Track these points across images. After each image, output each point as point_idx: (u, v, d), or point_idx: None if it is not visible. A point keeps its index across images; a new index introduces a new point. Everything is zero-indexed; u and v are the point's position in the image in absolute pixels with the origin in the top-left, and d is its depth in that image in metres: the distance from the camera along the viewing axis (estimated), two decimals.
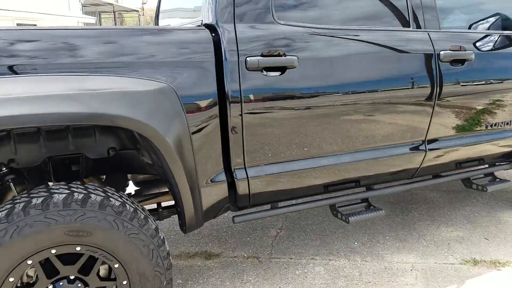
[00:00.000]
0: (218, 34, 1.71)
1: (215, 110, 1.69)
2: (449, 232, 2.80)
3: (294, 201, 2.20)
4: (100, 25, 23.09)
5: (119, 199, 1.56)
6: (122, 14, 27.97)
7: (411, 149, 2.23)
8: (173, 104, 1.56)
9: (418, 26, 2.15)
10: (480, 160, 2.57)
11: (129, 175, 2.30)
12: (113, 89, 1.48)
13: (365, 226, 2.91)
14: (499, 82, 2.34)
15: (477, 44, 2.31)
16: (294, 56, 1.79)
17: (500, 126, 2.45)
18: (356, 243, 2.69)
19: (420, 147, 2.25)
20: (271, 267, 2.42)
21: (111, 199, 1.52)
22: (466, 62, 2.22)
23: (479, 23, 2.53)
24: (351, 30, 1.98)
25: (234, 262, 2.48)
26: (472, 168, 2.63)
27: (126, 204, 1.55)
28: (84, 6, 21.70)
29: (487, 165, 2.73)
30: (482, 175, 2.72)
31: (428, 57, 2.12)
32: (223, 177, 1.80)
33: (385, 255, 2.53)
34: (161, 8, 2.84)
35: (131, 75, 1.55)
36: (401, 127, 2.15)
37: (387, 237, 2.75)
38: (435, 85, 2.14)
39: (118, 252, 1.52)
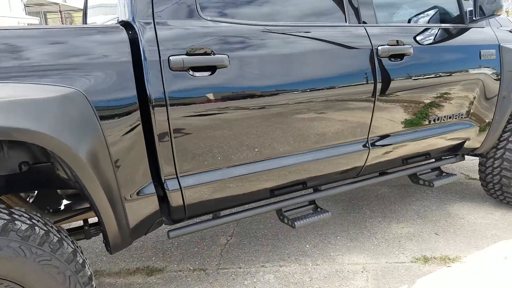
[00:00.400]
0: (136, 32, 1.54)
1: (136, 116, 1.52)
2: (400, 229, 2.77)
3: (236, 209, 2.07)
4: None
5: (28, 221, 1.36)
6: (71, 14, 26.73)
7: (354, 147, 2.16)
8: (83, 112, 1.38)
9: (355, 21, 2.08)
10: (426, 155, 2.55)
11: (59, 190, 2.09)
12: (11, 98, 1.27)
13: (318, 226, 2.83)
14: (439, 76, 2.32)
15: (416, 38, 2.27)
16: (224, 54, 1.65)
17: (444, 120, 2.44)
18: (307, 246, 2.60)
19: (364, 145, 2.18)
20: (218, 279, 2.28)
21: (16, 222, 1.32)
22: (405, 57, 2.17)
23: (418, 16, 2.51)
24: (285, 26, 1.87)
25: (178, 277, 2.32)
26: (419, 164, 2.61)
27: (36, 227, 1.36)
28: (27, 6, 20.52)
29: (433, 160, 2.72)
30: (429, 170, 2.71)
31: (366, 53, 2.05)
32: (151, 189, 1.63)
33: (336, 256, 2.46)
34: (88, 5, 2.62)
35: (34, 81, 1.35)
36: (343, 125, 2.07)
37: (338, 237, 2.69)
38: (375, 81, 2.07)
39: (27, 283, 1.32)
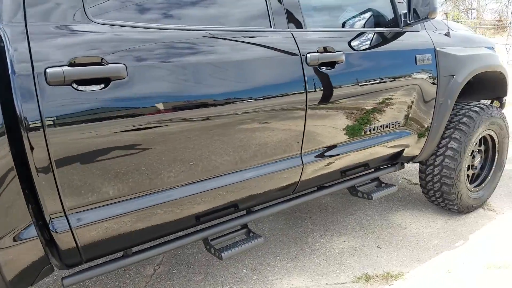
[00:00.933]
0: (1, 39, 1.22)
1: (3, 142, 1.20)
2: (342, 243, 2.62)
3: (150, 243, 1.79)
4: None
5: None
6: None
7: (286, 164, 1.95)
8: None
9: (281, 26, 1.87)
10: (365, 165, 2.41)
11: None
12: None
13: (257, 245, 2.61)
14: (374, 83, 2.17)
15: (349, 43, 2.11)
16: (121, 64, 1.37)
17: (381, 129, 2.30)
18: (245, 270, 2.36)
19: (297, 161, 1.99)
20: None
21: None
22: (336, 65, 2.00)
23: (352, 20, 2.36)
24: (194, 30, 1.62)
25: None
26: (357, 175, 2.47)
27: None
28: None
29: (372, 170, 2.59)
30: (368, 181, 2.58)
31: (294, 61, 1.85)
32: (32, 232, 1.31)
33: (275, 281, 2.24)
34: None
35: None
36: (272, 141, 1.86)
37: (278, 257, 2.48)
38: (305, 92, 1.88)
39: None
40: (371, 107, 2.21)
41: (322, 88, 1.95)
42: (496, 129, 2.87)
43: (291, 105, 1.86)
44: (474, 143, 2.76)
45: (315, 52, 1.92)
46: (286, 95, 1.84)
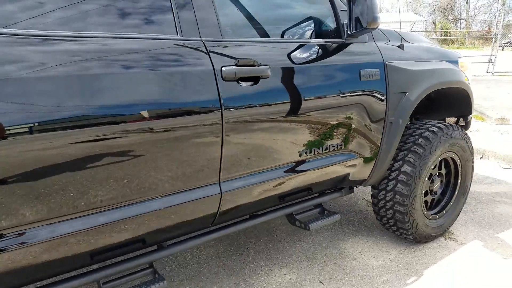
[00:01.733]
0: None
1: None
2: (282, 276, 2.34)
3: None
4: None
5: None
6: None
7: (201, 192, 1.68)
8: None
9: (190, 34, 1.61)
10: (302, 192, 2.14)
11: None
12: None
13: (188, 277, 2.33)
14: (308, 102, 1.91)
15: (279, 56, 1.86)
16: None
17: (319, 152, 2.04)
18: None
19: (213, 189, 1.71)
20: None
21: None
22: (261, 80, 1.74)
23: (290, 30, 2.10)
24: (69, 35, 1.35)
25: None
26: (295, 201, 2.20)
27: None
28: None
29: (316, 195, 2.33)
30: (311, 207, 2.32)
31: (205, 75, 1.58)
32: None
33: None
34: None
35: None
36: (184, 167, 1.59)
37: None
38: (220, 111, 1.61)
39: None
40: (305, 128, 1.94)
41: (242, 107, 1.69)
42: (458, 151, 2.62)
43: (203, 126, 1.59)
44: (432, 167, 2.51)
45: (232, 65, 1.66)
46: (196, 114, 1.57)
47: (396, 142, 2.33)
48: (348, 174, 2.27)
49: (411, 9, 34.97)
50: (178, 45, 1.56)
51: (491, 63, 11.79)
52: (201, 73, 1.58)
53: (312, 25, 2.12)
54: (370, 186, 2.57)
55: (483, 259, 2.49)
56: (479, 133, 5.55)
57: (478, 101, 7.72)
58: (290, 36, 2.06)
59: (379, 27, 2.04)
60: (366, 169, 2.32)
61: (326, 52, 2.05)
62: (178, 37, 1.58)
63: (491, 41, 12.23)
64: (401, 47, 2.36)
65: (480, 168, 4.17)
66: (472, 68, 12.47)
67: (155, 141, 1.48)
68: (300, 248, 2.65)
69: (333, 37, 2.10)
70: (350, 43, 2.13)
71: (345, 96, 2.06)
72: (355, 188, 2.57)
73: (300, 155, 1.98)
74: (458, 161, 2.67)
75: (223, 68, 1.63)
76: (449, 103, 2.83)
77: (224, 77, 1.63)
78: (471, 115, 2.88)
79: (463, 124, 2.95)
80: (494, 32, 12.82)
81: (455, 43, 28.91)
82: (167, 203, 1.59)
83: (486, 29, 29.36)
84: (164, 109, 1.50)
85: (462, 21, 32.77)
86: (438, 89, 2.45)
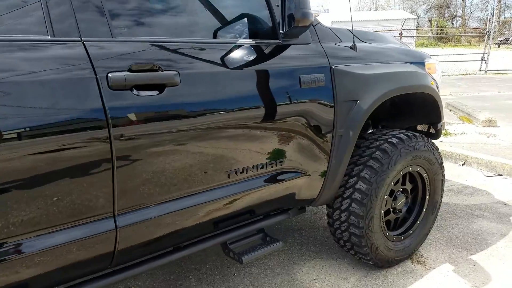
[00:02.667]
0: None
1: None
2: None
3: None
4: None
5: None
6: None
7: (90, 229, 1.38)
8: None
9: (66, 33, 1.31)
10: (236, 217, 1.85)
11: None
12: None
13: None
14: (234, 113, 1.62)
15: (195, 60, 1.57)
16: None
17: (252, 171, 1.74)
18: None
19: (106, 224, 1.42)
20: None
21: None
22: (166, 89, 1.45)
23: (221, 28, 1.80)
24: None
25: None
26: (229, 228, 1.90)
27: None
28: None
29: (257, 219, 2.03)
30: (254, 232, 2.02)
31: (85, 84, 1.29)
32: None
33: None
34: None
35: None
36: (66, 200, 1.30)
37: None
38: (107, 129, 1.32)
39: None
40: (232, 145, 1.66)
41: (139, 121, 1.40)
42: (424, 164, 2.33)
43: (85, 148, 1.30)
44: (393, 182, 2.22)
45: (123, 71, 1.37)
46: (74, 133, 1.27)
47: (348, 157, 2.04)
48: (294, 193, 1.98)
49: (407, 6, 34.63)
50: (46, 47, 1.27)
51: (484, 61, 11.49)
52: (78, 82, 1.28)
53: (245, 23, 1.83)
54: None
55: None
56: (464, 136, 5.26)
57: (467, 101, 7.44)
58: (218, 37, 1.76)
59: (330, 24, 1.76)
60: (314, 187, 2.03)
61: (257, 54, 1.75)
62: (48, 37, 1.28)
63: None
64: (353, 48, 2.06)
65: (461, 176, 3.88)
66: (465, 66, 12.33)
67: (21, 167, 1.20)
68: (249, 275, 2.35)
69: (269, 37, 1.81)
70: (289, 44, 1.84)
71: (282, 106, 1.77)
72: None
73: (229, 176, 1.69)
74: (424, 175, 2.38)
75: (109, 75, 1.33)
76: (415, 110, 2.55)
77: (111, 85, 1.33)
78: (441, 123, 2.59)
79: (433, 132, 2.65)
80: (487, 29, 12.52)
81: (451, 41, 28.61)
82: (41, 244, 1.30)
83: (483, 27, 29.06)
84: (30, 129, 1.21)
85: (458, 18, 32.42)
86: (397, 95, 2.16)
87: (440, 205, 2.54)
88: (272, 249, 1.94)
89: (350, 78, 1.98)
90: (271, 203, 1.92)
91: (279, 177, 1.86)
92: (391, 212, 2.33)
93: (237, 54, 1.70)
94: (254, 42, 1.75)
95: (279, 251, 2.54)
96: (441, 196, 2.52)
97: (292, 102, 1.80)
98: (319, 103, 1.89)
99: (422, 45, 28.39)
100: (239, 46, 1.72)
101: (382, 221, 2.22)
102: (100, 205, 1.39)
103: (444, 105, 7.44)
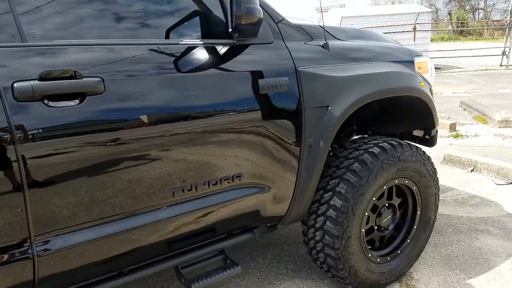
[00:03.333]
0: None
1: None
2: None
3: None
4: None
5: None
6: None
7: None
8: None
9: None
10: (188, 239, 1.64)
11: None
12: None
13: None
14: (178, 122, 1.42)
15: (132, 64, 1.37)
16: None
17: (203, 188, 1.53)
18: None
19: (21, 252, 1.24)
20: None
21: None
22: (87, 98, 1.26)
23: (173, 27, 1.60)
24: None
25: None
26: (181, 250, 1.69)
27: None
28: None
29: (218, 239, 1.82)
30: (215, 254, 1.81)
31: None
32: None
33: None
34: None
35: None
36: None
37: None
38: (13, 145, 1.14)
39: None
40: (174, 159, 1.45)
41: (55, 136, 1.21)
42: (414, 176, 2.06)
43: None
44: (375, 198, 1.97)
45: (33, 79, 1.18)
46: None
47: (319, 169, 1.80)
48: (257, 211, 1.75)
49: (426, 0, 33.59)
50: None
51: (505, 56, 10.90)
52: None
53: (196, 22, 1.62)
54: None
55: None
56: (477, 138, 4.90)
57: (483, 100, 7.01)
58: (161, 37, 1.55)
59: (297, 21, 1.54)
60: (281, 203, 1.80)
61: (207, 56, 1.53)
62: None
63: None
64: (325, 47, 1.82)
65: (468, 184, 3.56)
66: (485, 62, 11.71)
67: None
68: None
69: (223, 37, 1.59)
70: (246, 45, 1.61)
71: (236, 115, 1.55)
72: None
73: (174, 194, 1.49)
74: (414, 188, 2.11)
75: (14, 85, 1.15)
76: (404, 115, 2.28)
77: (16, 96, 1.15)
78: (435, 129, 2.31)
79: (428, 139, 2.38)
80: (508, 21, 11.88)
81: (473, 34, 27.56)
82: None
83: (506, 19, 27.83)
84: None
85: (480, 11, 31.19)
86: (377, 99, 1.91)
87: (434, 221, 2.26)
88: (227, 275, 1.72)
89: (320, 81, 1.74)
90: (229, 222, 1.70)
91: (237, 194, 1.64)
92: (375, 230, 2.07)
93: (182, 57, 1.48)
94: (201, 42, 1.54)
95: (239, 274, 2.29)
96: (435, 211, 2.25)
97: (249, 109, 1.58)
98: (283, 110, 1.66)
99: (442, 39, 27.48)
100: (184, 47, 1.51)
101: (363, 241, 1.98)
102: (13, 232, 1.21)
103: (458, 103, 7.08)
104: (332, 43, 1.88)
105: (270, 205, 1.76)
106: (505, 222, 2.82)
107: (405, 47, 2.26)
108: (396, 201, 2.12)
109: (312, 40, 1.85)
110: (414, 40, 12.60)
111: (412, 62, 2.15)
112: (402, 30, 12.34)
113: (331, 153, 2.05)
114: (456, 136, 5.03)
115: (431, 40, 14.32)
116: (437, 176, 2.20)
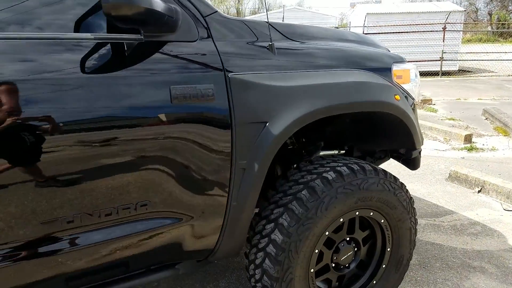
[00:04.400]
0: None
1: None
2: None
3: None
4: None
5: None
6: None
7: None
8: None
9: None
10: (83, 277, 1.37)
11: None
12: None
13: None
14: (61, 137, 1.15)
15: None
16: None
17: (96, 219, 1.26)
18: None
19: None
20: None
21: None
22: None
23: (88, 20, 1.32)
24: None
25: None
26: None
27: None
28: None
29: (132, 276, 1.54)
30: None
31: None
32: None
33: None
34: None
35: None
36: None
37: None
38: None
39: None
40: (55, 184, 1.18)
41: None
42: (381, 208, 1.72)
43: None
44: (328, 231, 1.64)
45: None
46: None
47: (254, 196, 1.49)
48: (175, 244, 1.46)
49: None
50: None
51: None
52: None
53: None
54: None
55: None
56: (494, 152, 4.40)
57: (509, 109, 6.42)
58: (42, 30, 1.28)
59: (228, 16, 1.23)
60: (207, 236, 1.50)
61: (103, 55, 1.25)
62: None
63: None
64: (270, 49, 1.49)
65: (472, 207, 3.13)
66: None
67: None
68: None
69: (130, 31, 1.30)
70: (157, 42, 1.31)
71: (136, 129, 1.26)
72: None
73: (48, 227, 1.22)
74: (382, 221, 1.77)
75: None
76: (377, 132, 1.93)
77: None
78: (417, 150, 1.94)
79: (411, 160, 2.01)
80: None
81: None
82: None
83: None
84: None
85: None
86: (331, 115, 1.57)
87: (409, 260, 1.90)
88: None
89: (256, 91, 1.42)
90: (138, 259, 1.41)
91: (143, 226, 1.36)
92: (331, 269, 1.74)
93: (68, 54, 1.20)
94: (92, 36, 1.25)
95: None
96: (411, 249, 1.89)
97: (155, 123, 1.28)
98: (206, 125, 1.36)
99: (479, 40, 26.09)
100: (74, 43, 1.22)
101: (312, 284, 1.65)
102: None
103: (481, 111, 6.51)
104: (282, 44, 1.55)
105: (191, 239, 1.47)
106: (505, 258, 2.41)
107: (384, 52, 1.89)
108: (359, 235, 1.78)
109: (257, 40, 1.53)
110: (444, 41, 11.87)
111: (388, 69, 1.78)
112: (430, 30, 11.64)
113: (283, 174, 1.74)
114: (471, 149, 4.55)
115: (467, 41, 13.46)
116: (413, 207, 1.83)
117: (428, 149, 4.87)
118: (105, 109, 1.21)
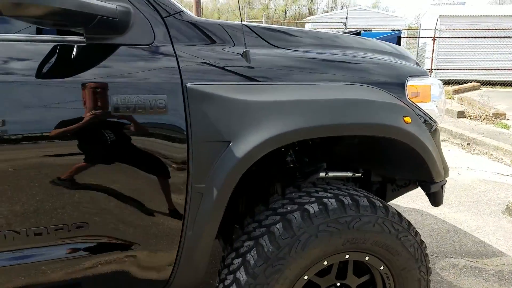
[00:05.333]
0: None
1: None
2: None
3: None
4: None
5: None
6: None
7: None
8: None
9: None
10: None
11: None
12: None
13: None
14: None
15: None
16: None
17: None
18: None
19: None
20: None
21: None
22: None
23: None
24: None
25: None
26: None
27: None
28: None
29: None
30: None
31: None
32: None
33: None
34: None
35: None
36: None
37: None
38: None
39: None
40: None
41: None
42: (380, 253, 1.41)
43: None
44: (308, 275, 1.37)
45: None
46: None
47: (214, 225, 1.27)
48: (126, 273, 1.30)
49: None
50: None
51: None
52: None
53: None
54: None
55: None
56: None
57: None
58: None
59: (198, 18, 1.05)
60: (159, 266, 1.31)
61: (45, 60, 1.12)
62: None
63: None
64: (245, 56, 1.27)
65: (498, 232, 2.60)
66: None
67: None
68: None
69: (73, 33, 1.16)
70: (103, 45, 1.15)
71: (71, 143, 1.11)
72: None
73: None
74: (382, 268, 1.45)
75: None
76: (386, 160, 1.60)
77: None
78: (437, 184, 1.57)
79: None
80: None
81: None
82: None
83: None
84: None
85: None
86: (315, 137, 1.30)
87: None
88: None
89: (219, 105, 1.20)
90: (78, 285, 1.27)
91: (74, 251, 1.21)
92: None
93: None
94: (23, 38, 1.12)
95: None
96: None
97: (92, 136, 1.13)
98: (156, 141, 1.18)
99: None
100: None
101: None
102: None
103: None
104: (260, 52, 1.32)
105: (140, 268, 1.29)
106: None
107: (396, 62, 1.55)
108: (352, 281, 1.48)
109: (234, 46, 1.31)
110: None
111: (401, 85, 1.46)
112: (509, 35, 10.41)
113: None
114: None
115: None
116: (425, 253, 1.49)
117: (489, 172, 4.26)
118: (34, 118, 1.08)
